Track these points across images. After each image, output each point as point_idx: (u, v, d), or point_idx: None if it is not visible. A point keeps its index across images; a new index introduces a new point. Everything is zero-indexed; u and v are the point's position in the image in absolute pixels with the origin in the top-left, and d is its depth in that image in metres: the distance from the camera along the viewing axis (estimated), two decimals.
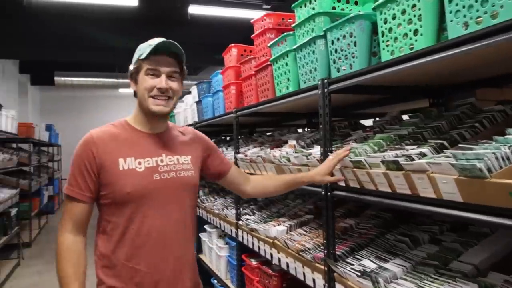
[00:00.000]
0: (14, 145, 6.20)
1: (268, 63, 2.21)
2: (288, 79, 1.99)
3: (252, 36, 2.44)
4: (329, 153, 1.64)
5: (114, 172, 1.33)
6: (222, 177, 1.67)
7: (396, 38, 1.28)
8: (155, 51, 1.34)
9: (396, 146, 1.42)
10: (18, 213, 5.56)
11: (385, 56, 1.33)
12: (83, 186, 1.34)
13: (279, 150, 2.29)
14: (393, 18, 1.28)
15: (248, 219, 2.68)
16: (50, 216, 9.25)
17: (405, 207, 1.24)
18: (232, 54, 2.90)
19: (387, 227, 1.81)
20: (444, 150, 1.18)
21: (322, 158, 1.68)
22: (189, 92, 4.41)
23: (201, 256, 3.84)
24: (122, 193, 1.33)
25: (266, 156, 2.21)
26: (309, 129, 2.85)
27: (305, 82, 1.85)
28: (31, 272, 5.15)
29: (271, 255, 2.20)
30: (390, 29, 1.30)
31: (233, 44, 2.89)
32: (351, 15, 1.46)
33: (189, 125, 4.19)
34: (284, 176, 1.74)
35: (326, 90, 1.64)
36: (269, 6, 5.31)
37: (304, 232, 2.10)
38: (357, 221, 1.98)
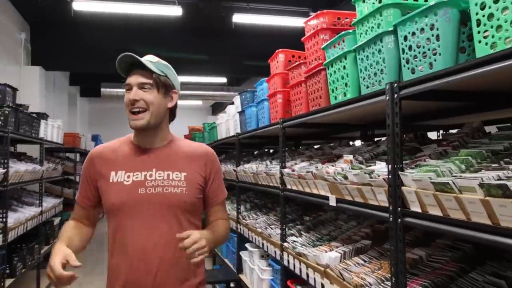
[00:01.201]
0: (61, 155, 6.32)
1: (322, 67, 1.97)
2: (346, 84, 1.74)
3: (302, 38, 2.21)
4: (399, 171, 1.36)
5: (106, 183, 1.42)
6: (205, 208, 1.56)
7: (499, 27, 0.99)
8: (124, 68, 1.44)
9: (493, 165, 1.12)
10: (61, 222, 5.60)
11: (482, 51, 1.05)
12: (84, 193, 1.48)
13: (333, 165, 2.02)
14: (495, 1, 1.00)
15: (294, 241, 2.41)
16: None
17: None
18: (279, 60, 2.68)
19: (469, 262, 1.49)
20: None
21: (389, 177, 1.40)
22: (232, 103, 4.26)
23: (241, 276, 3.60)
24: (108, 204, 1.41)
25: (318, 172, 1.95)
26: (363, 143, 2.55)
27: (367, 87, 1.59)
28: (72, 283, 5.12)
29: (322, 285, 1.92)
30: (491, 16, 1.02)
31: (280, 49, 2.68)
32: (432, 3, 1.19)
33: (231, 137, 4.02)
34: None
35: (396, 95, 1.37)
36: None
37: (362, 262, 1.81)
38: (427, 252, 1.66)
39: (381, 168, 1.62)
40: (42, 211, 4.32)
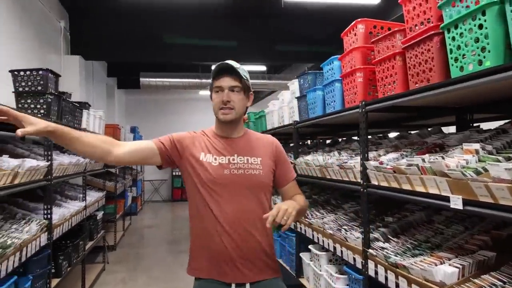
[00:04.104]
0: None
1: (435, 31, 1.54)
2: (483, 49, 1.31)
3: (400, 0, 1.78)
4: None
5: (197, 159, 1.68)
6: (280, 187, 1.84)
7: None
8: (219, 72, 1.68)
9: None
10: (104, 216, 5.44)
11: None
12: (164, 141, 1.70)
13: (446, 157, 1.60)
14: None
15: (383, 247, 2.01)
16: (134, 218, 9.33)
17: None
18: (357, 32, 2.26)
19: None
20: None
21: None
22: (270, 93, 3.88)
23: (302, 280, 3.24)
24: (200, 178, 1.66)
25: (433, 165, 1.53)
26: (471, 129, 2.09)
27: None
28: (116, 279, 4.95)
29: None
30: None
31: (359, 19, 2.26)
32: None
33: (286, 126, 3.63)
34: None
35: None
36: None
37: (500, 283, 1.39)
38: None
39: None
40: (86, 205, 4.11)
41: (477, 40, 1.33)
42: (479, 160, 1.44)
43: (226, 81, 1.66)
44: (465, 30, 1.38)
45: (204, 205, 1.65)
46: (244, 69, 1.73)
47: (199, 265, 1.68)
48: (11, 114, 1.39)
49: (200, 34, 6.41)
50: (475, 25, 1.33)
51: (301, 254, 3.23)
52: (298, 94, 3.37)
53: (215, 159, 1.67)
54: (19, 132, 1.36)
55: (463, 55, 1.40)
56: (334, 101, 2.58)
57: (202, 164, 1.66)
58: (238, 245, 1.62)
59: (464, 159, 1.47)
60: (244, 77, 1.68)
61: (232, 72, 1.66)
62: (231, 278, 1.63)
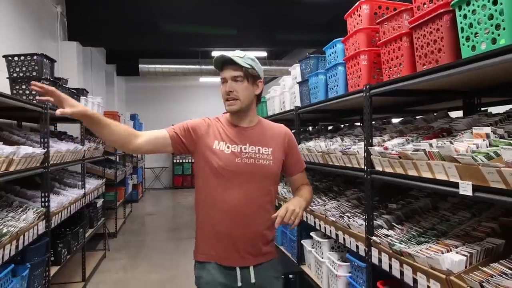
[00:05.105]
0: None
1: (445, 9, 1.46)
2: (498, 27, 1.23)
3: None
4: None
5: (210, 148, 1.73)
6: (288, 176, 1.92)
7: None
8: (223, 63, 1.71)
9: None
10: (104, 203, 5.40)
11: None
12: (177, 129, 1.75)
13: (455, 141, 1.54)
14: None
15: (387, 235, 1.97)
16: (134, 205, 9.32)
17: None
18: (362, 13, 2.17)
19: None
20: None
21: None
22: (272, 78, 3.80)
23: (303, 267, 3.21)
24: (211, 166, 1.71)
25: (442, 150, 1.47)
26: (479, 113, 2.02)
27: None
28: (116, 266, 4.94)
29: None
30: None
31: (363, 0, 2.17)
32: None
33: (288, 112, 3.57)
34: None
35: None
36: None
37: (511, 271, 1.34)
38: None
39: None
40: (85, 193, 4.07)
41: (491, 17, 1.25)
42: (490, 145, 1.38)
43: (228, 72, 1.70)
44: (478, 6, 1.30)
45: (214, 191, 1.71)
46: (251, 57, 1.73)
47: (206, 250, 1.75)
48: (56, 94, 1.52)
49: (199, 21, 6.30)
50: (489, 1, 1.25)
51: (302, 241, 3.19)
52: (299, 79, 3.30)
53: (228, 147, 1.72)
54: (58, 111, 1.48)
55: (476, 33, 1.33)
56: (337, 85, 2.51)
57: (215, 152, 1.71)
58: (243, 231, 1.70)
59: (474, 144, 1.41)
60: (248, 66, 1.69)
61: (233, 62, 1.68)
62: (235, 262, 1.72)
